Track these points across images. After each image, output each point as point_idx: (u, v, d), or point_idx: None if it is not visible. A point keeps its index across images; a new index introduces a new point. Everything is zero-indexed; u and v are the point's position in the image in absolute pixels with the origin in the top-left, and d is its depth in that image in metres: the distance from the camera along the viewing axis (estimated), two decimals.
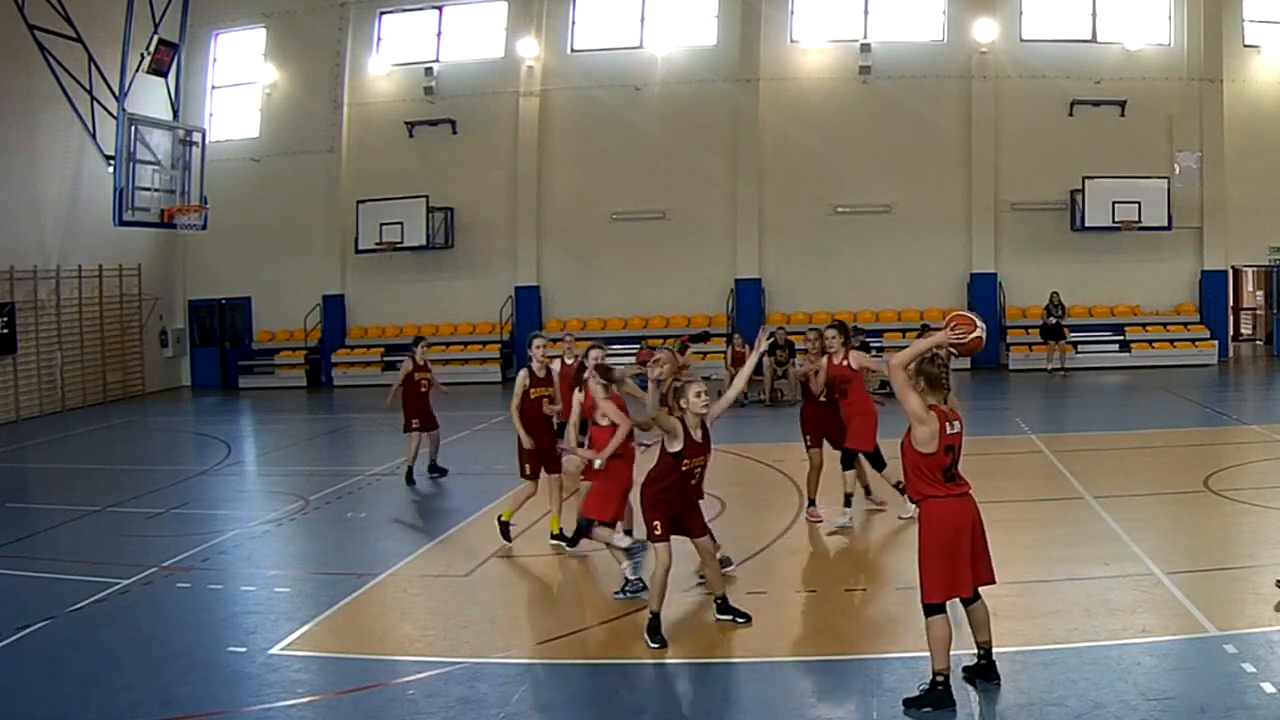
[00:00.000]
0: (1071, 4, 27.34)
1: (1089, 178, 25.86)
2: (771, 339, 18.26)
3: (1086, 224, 26.16)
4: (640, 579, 8.88)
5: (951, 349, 6.74)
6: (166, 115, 25.48)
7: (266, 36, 29.59)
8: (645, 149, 27.55)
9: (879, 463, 11.27)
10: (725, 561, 9.20)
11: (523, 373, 11.05)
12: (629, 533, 9.41)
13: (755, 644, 7.92)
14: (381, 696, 7.17)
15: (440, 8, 29.35)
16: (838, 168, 27.47)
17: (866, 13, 27.74)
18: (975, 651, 6.84)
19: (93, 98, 23.61)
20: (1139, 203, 25.79)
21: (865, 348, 22.96)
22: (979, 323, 6.75)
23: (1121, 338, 26.75)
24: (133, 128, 23.45)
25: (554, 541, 10.77)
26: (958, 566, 6.51)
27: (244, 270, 29.24)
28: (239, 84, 30.02)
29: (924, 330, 24.32)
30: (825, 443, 11.38)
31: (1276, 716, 6.19)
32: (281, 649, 8.07)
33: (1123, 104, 26.65)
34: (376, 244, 28.13)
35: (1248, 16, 26.57)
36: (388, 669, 7.62)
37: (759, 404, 21.58)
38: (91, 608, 9.24)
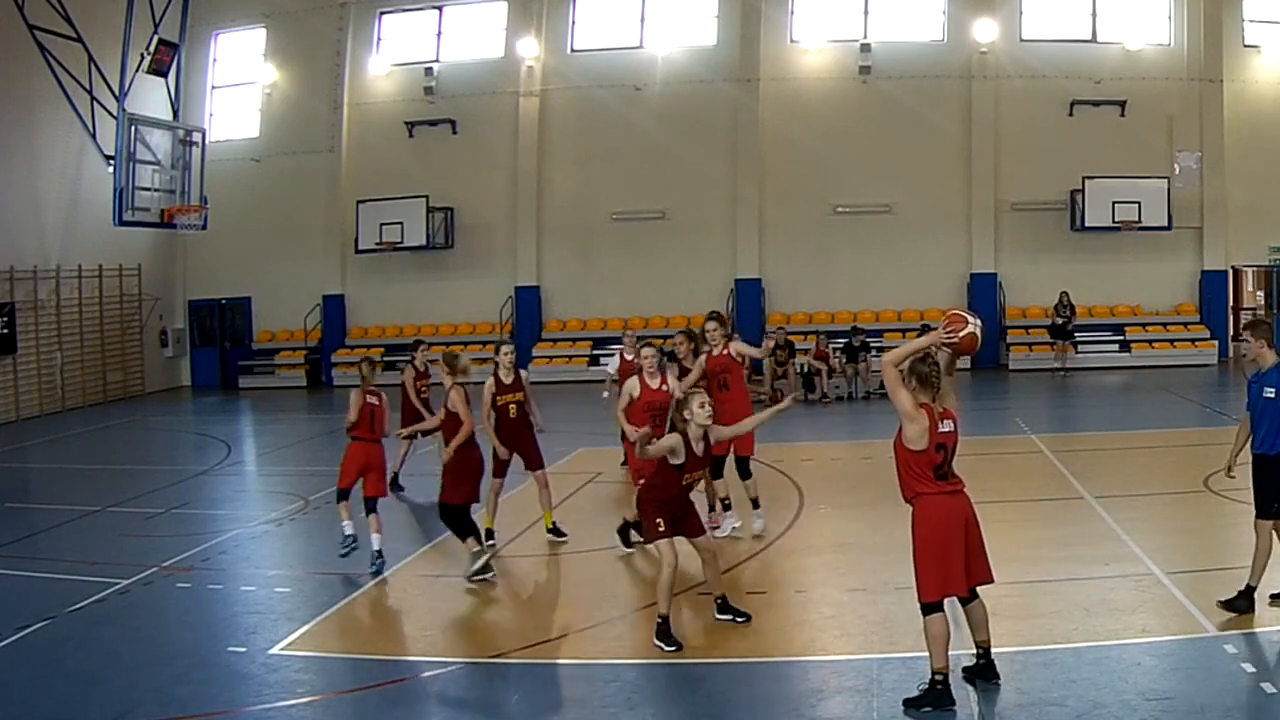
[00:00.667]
0: (1071, 4, 27.34)
1: (1089, 178, 25.86)
2: (773, 339, 18.19)
3: (1086, 224, 26.15)
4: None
5: (946, 347, 6.71)
6: (166, 115, 25.48)
7: (266, 36, 29.59)
8: (645, 149, 27.55)
9: (718, 472, 10.77)
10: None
11: (489, 381, 10.83)
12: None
13: (755, 644, 7.92)
14: (381, 696, 7.16)
15: (440, 8, 29.35)
16: (838, 168, 27.46)
17: (866, 13, 27.73)
18: (974, 651, 6.84)
19: (93, 98, 23.62)
20: (1139, 203, 25.78)
21: (865, 347, 23.26)
22: (972, 319, 6.69)
23: (1121, 338, 26.74)
24: (133, 128, 23.46)
25: (549, 536, 10.90)
26: (951, 564, 6.52)
27: (244, 270, 29.24)
28: (239, 84, 30.02)
29: (924, 330, 24.34)
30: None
31: (1276, 716, 6.20)
32: (281, 649, 8.07)
33: (1123, 104, 26.65)
34: (376, 244, 28.13)
35: (1248, 16, 26.56)
36: (388, 669, 7.62)
37: (759, 404, 21.50)
38: (91, 608, 9.24)
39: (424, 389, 14.36)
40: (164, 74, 24.90)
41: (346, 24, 29.07)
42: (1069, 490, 12.54)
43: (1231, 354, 27.41)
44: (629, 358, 13.59)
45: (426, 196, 28.00)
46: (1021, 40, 27.26)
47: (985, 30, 26.81)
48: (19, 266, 23.81)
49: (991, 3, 27.03)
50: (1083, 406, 21.86)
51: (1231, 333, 26.85)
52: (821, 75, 27.67)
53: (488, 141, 28.67)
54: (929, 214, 27.22)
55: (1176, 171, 26.54)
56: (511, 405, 10.80)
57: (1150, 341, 26.53)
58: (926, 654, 6.55)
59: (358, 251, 28.62)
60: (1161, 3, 27.03)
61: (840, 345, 23.38)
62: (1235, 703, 6.37)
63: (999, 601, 8.37)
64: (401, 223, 27.89)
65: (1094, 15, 27.21)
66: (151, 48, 24.09)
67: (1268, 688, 6.51)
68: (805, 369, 22.75)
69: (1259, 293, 31.35)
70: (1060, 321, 25.71)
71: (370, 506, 10.09)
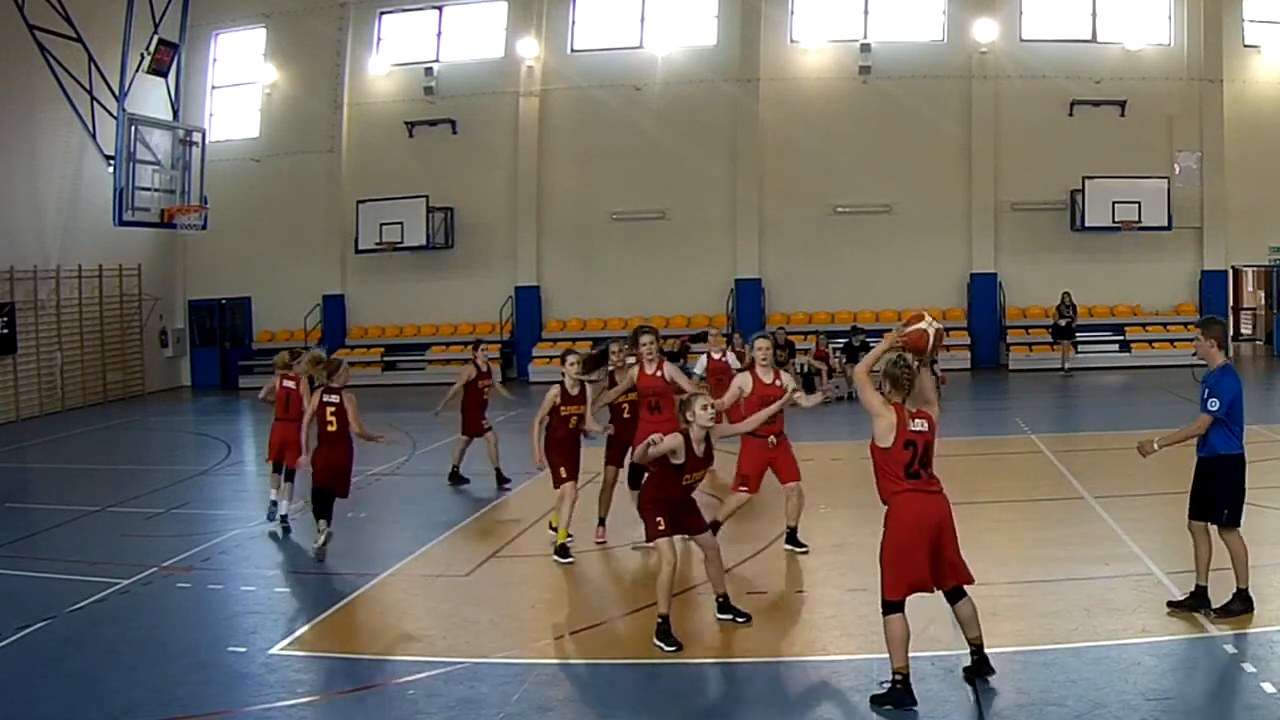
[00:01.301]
0: (1071, 4, 27.35)
1: (1089, 178, 25.86)
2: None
3: (1086, 224, 26.16)
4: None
5: (900, 342, 6.99)
6: (166, 115, 25.48)
7: (266, 36, 29.60)
8: (645, 149, 27.55)
9: (636, 482, 10.47)
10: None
11: (554, 389, 10.54)
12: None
13: (755, 644, 7.92)
14: (381, 696, 7.16)
15: (440, 8, 29.36)
16: (838, 168, 27.47)
17: (866, 13, 27.75)
18: (969, 650, 6.84)
19: (93, 98, 23.61)
20: (1139, 203, 25.79)
21: (865, 347, 23.21)
22: (927, 320, 7.03)
23: (1121, 338, 26.75)
24: (133, 128, 23.46)
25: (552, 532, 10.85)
26: (918, 562, 6.58)
27: (244, 270, 29.25)
28: (239, 84, 30.04)
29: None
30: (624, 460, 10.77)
31: (1276, 716, 6.19)
32: (281, 649, 8.06)
33: (1123, 104, 26.65)
34: (376, 244, 28.14)
35: (1248, 16, 26.58)
36: (388, 669, 7.62)
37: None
38: (91, 608, 9.23)
39: (486, 388, 14.33)
40: (164, 74, 24.89)
41: (346, 24, 29.08)
42: (1069, 490, 12.54)
43: (1231, 354, 27.39)
44: (716, 356, 13.93)
45: (426, 196, 28.01)
46: (1021, 40, 27.28)
47: (985, 30, 26.82)
48: (19, 266, 23.81)
49: (991, 3, 27.03)
50: (1083, 406, 21.85)
51: (1231, 333, 26.86)
52: (821, 75, 27.67)
53: (488, 141, 28.68)
54: (929, 214, 27.22)
55: (1176, 171, 26.54)
56: (574, 417, 10.50)
57: (1150, 341, 26.52)
58: (926, 654, 6.56)
59: (358, 251, 28.63)
60: (1161, 3, 27.04)
61: (840, 345, 23.38)
62: (1235, 703, 6.37)
63: (999, 601, 8.38)
64: (401, 223, 27.90)
65: (1094, 15, 27.22)
66: (151, 48, 24.08)
67: (1268, 687, 6.51)
68: (805, 369, 22.74)
69: (1259, 293, 31.38)
70: (1064, 322, 25.68)
71: (288, 476, 11.72)
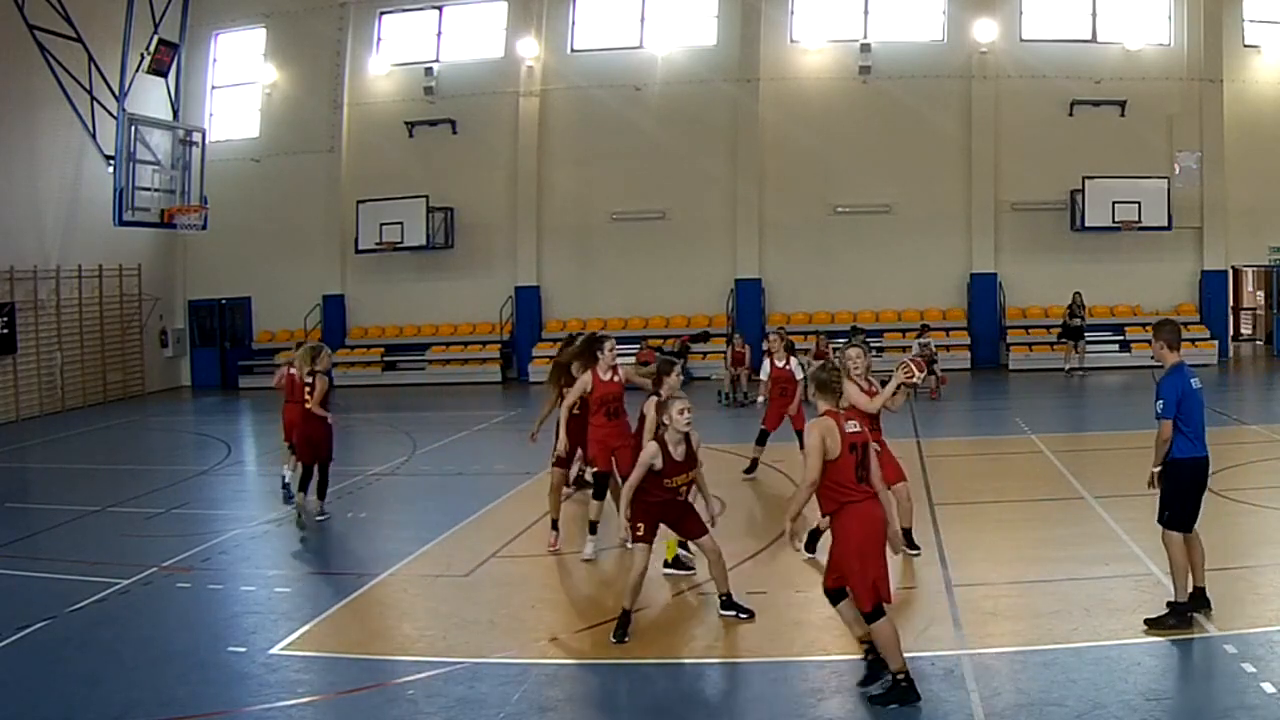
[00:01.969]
0: (1071, 4, 27.33)
1: (1089, 178, 25.85)
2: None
3: (1086, 224, 26.14)
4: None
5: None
6: (166, 115, 25.49)
7: (266, 36, 29.59)
8: (645, 149, 27.54)
9: (601, 492, 10.39)
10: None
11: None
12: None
13: (755, 644, 7.93)
14: (381, 696, 7.17)
15: (440, 8, 29.35)
16: (838, 168, 27.46)
17: (866, 13, 27.73)
18: (861, 654, 6.97)
19: (93, 98, 23.62)
20: (1139, 203, 25.77)
21: (865, 347, 23.16)
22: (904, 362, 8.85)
23: (1121, 338, 26.72)
24: (133, 128, 23.46)
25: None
26: (880, 569, 6.66)
27: (244, 270, 29.24)
28: (239, 84, 30.02)
29: (923, 330, 24.44)
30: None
31: (1276, 716, 6.19)
32: (281, 649, 8.07)
33: (1123, 104, 26.65)
34: (376, 244, 28.14)
35: (1248, 16, 26.56)
36: (388, 669, 7.62)
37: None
38: (91, 608, 9.24)
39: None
40: (164, 74, 24.90)
41: (346, 24, 29.07)
42: (1069, 490, 12.54)
43: (1231, 354, 27.44)
44: (780, 364, 14.18)
45: (426, 196, 28.00)
46: (1021, 40, 27.26)
47: (985, 30, 26.81)
48: (19, 266, 23.81)
49: (991, 3, 27.02)
50: (1083, 406, 21.84)
51: (1231, 333, 26.85)
52: (821, 75, 27.66)
53: (488, 141, 28.68)
54: (929, 214, 27.22)
55: (1176, 171, 26.53)
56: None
57: (1150, 342, 26.42)
58: (926, 654, 6.57)
59: (358, 251, 28.62)
60: (1161, 3, 27.02)
61: (840, 345, 23.34)
62: (1235, 703, 6.36)
63: (999, 601, 8.39)
64: (401, 223, 27.89)
65: (1094, 15, 27.20)
66: (151, 48, 24.10)
67: (1267, 687, 6.51)
68: (805, 369, 22.70)
69: (1259, 293, 31.38)
70: (1076, 323, 25.56)
71: (291, 450, 12.96)
